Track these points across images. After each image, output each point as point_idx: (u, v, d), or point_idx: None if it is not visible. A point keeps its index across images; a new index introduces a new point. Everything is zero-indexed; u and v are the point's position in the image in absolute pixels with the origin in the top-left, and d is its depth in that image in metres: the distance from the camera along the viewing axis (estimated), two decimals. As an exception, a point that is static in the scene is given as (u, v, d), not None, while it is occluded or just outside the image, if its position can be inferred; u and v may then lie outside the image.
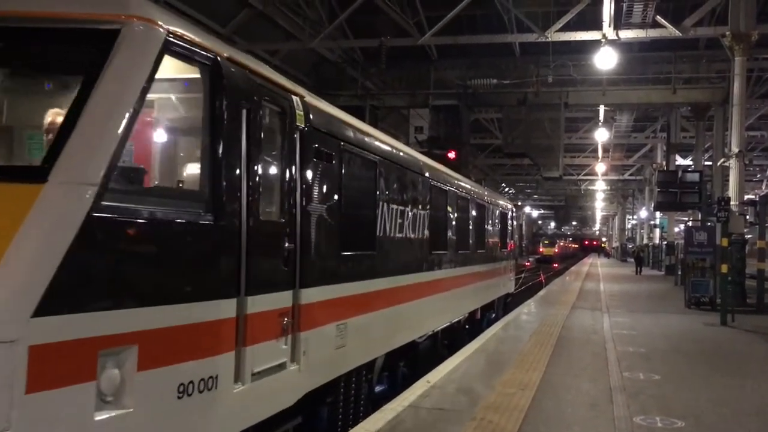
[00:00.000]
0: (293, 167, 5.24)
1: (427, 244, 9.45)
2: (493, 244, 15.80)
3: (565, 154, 31.95)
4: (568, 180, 54.96)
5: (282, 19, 21.35)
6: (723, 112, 23.42)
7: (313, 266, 5.53)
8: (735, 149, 17.90)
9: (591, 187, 66.01)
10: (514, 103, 25.04)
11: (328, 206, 5.91)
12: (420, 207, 9.13)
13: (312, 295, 5.52)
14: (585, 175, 54.17)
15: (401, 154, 8.83)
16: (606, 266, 51.68)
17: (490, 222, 15.44)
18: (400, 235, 8.18)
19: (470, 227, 12.89)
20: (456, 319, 11.75)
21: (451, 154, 23.17)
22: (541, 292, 23.93)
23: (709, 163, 28.04)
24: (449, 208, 11.11)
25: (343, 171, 6.34)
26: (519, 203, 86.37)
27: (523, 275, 41.87)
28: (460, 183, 12.45)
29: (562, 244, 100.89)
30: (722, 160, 20.62)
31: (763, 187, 48.95)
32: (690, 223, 23.33)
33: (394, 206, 8.00)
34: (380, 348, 7.62)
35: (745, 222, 18.89)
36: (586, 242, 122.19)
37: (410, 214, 8.59)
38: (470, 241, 12.83)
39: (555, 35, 20.13)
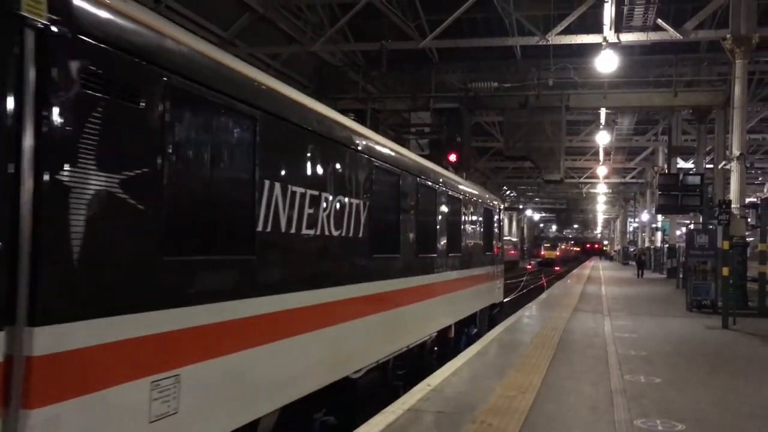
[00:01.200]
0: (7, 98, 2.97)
1: (365, 246, 7.11)
2: (473, 247, 13.28)
3: (566, 157, 31.92)
4: (570, 183, 54.94)
5: (283, 22, 21.38)
6: (724, 115, 23.40)
7: (72, 283, 3.26)
8: (736, 152, 17.89)
9: (592, 190, 65.98)
10: (516, 106, 25.04)
11: (126, 178, 3.60)
12: (353, 193, 6.80)
13: (68, 335, 3.21)
14: (586, 178, 54.14)
15: (310, 111, 6.02)
16: (608, 269, 51.64)
17: (469, 220, 12.90)
18: (310, 232, 5.80)
19: (439, 225, 10.46)
20: (417, 342, 9.37)
21: (453, 157, 23.22)
22: (543, 296, 23.90)
23: (711, 166, 28.02)
24: (404, 199, 8.70)
25: (169, 121, 3.96)
26: (521, 206, 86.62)
27: (524, 278, 41.90)
28: (422, 167, 9.86)
29: (563, 247, 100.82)
30: (723, 163, 20.60)
31: (765, 190, 48.90)
32: (691, 226, 23.30)
33: (298, 188, 5.57)
34: (269, 400, 5.18)
35: (747, 225, 18.86)
36: (588, 245, 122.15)
37: (332, 201, 6.25)
38: (439, 243, 10.41)
39: (556, 38, 20.14)
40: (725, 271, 15.06)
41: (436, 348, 10.85)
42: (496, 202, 16.73)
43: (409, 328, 9.04)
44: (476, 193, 14.27)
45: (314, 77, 25.07)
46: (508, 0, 20.51)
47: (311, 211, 5.79)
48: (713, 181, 24.07)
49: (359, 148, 7.02)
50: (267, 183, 5.09)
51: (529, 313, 17.18)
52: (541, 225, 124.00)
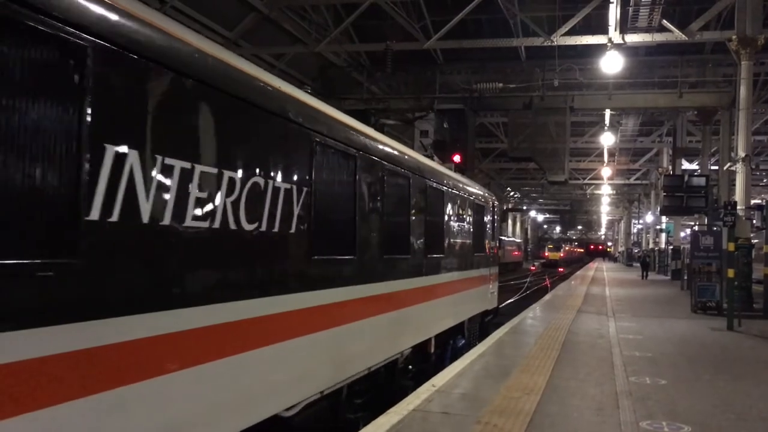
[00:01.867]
0: None
1: (306, 244, 5.63)
2: (459, 248, 11.48)
3: (570, 158, 31.99)
4: (574, 184, 54.93)
5: (288, 23, 21.40)
6: (729, 116, 23.37)
7: None
8: (741, 153, 17.85)
9: (597, 192, 65.93)
10: (520, 107, 25.03)
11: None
12: (293, 178, 5.44)
13: None
14: (591, 179, 54.11)
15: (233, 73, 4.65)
16: (612, 271, 51.56)
17: (454, 216, 11.12)
18: (235, 228, 4.52)
19: (412, 221, 8.73)
20: (385, 361, 7.85)
21: (457, 158, 23.20)
22: (547, 297, 23.86)
23: (716, 167, 27.96)
24: (365, 189, 7.19)
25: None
26: (524, 207, 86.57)
27: (528, 279, 41.87)
28: (389, 151, 8.09)
29: (567, 248, 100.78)
30: (729, 164, 20.56)
31: (770, 192, 48.74)
32: (696, 228, 23.25)
33: (225, 172, 4.41)
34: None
35: (752, 227, 18.81)
36: (592, 246, 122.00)
37: (268, 187, 4.99)
38: (412, 242, 8.75)
39: (561, 39, 20.13)
40: (730, 272, 15.01)
41: (410, 367, 9.21)
42: (490, 199, 15.03)
43: (375, 345, 7.50)
44: (465, 186, 12.36)
45: (318, 78, 25.09)
46: (512, 1, 20.51)
47: (251, 201, 4.78)
48: (718, 182, 24.02)
49: (307, 123, 5.67)
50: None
51: (533, 314, 17.15)
52: (545, 226, 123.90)
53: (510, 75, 25.64)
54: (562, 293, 25.53)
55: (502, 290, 34.75)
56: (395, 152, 8.37)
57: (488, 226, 14.64)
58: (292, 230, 5.38)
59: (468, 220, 12.32)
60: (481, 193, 14.26)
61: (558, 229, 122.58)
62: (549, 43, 20.29)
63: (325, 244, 6.01)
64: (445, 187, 10.47)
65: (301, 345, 5.54)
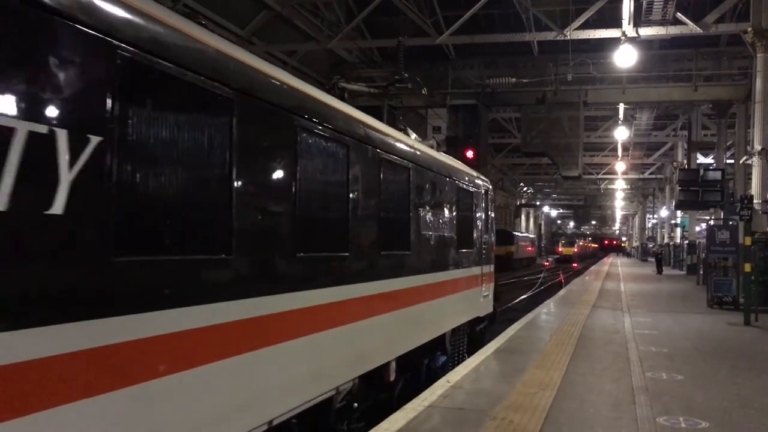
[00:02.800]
0: None
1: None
2: (437, 243, 9.22)
3: (584, 153, 31.79)
4: (588, 179, 54.65)
5: (300, 20, 21.42)
6: (745, 109, 23.15)
7: None
8: (758, 147, 17.67)
9: (611, 186, 65.59)
10: (533, 102, 24.93)
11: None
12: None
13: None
14: (604, 174, 53.82)
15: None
16: (626, 266, 51.28)
17: (427, 203, 8.77)
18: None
19: (357, 208, 6.45)
20: (305, 405, 5.38)
21: (470, 153, 23.15)
22: (561, 292, 23.78)
23: (731, 161, 27.73)
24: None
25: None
26: (538, 202, 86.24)
27: (542, 275, 41.73)
28: (347, 116, 6.41)
29: (581, 243, 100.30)
30: (745, 158, 20.36)
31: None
32: (712, 222, 23.06)
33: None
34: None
35: (769, 220, 18.62)
36: (606, 242, 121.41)
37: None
38: (357, 236, 6.41)
39: (574, 33, 20.01)
40: (747, 267, 14.88)
41: (356, 405, 6.69)
42: (482, 184, 12.34)
43: (307, 374, 5.36)
44: (444, 164, 9.92)
45: (330, 74, 25.09)
46: (525, -5, 20.41)
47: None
48: (734, 176, 23.81)
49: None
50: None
51: (547, 310, 17.09)
52: (559, 222, 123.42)
53: (523, 70, 25.53)
54: (577, 289, 25.42)
55: (514, 287, 34.74)
56: (330, 106, 6.02)
57: (479, 216, 12.01)
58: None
59: (449, 208, 9.87)
60: (470, 175, 11.65)
61: (572, 224, 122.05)
62: (562, 38, 20.17)
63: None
64: (411, 163, 7.97)
65: (226, 370, 4.18)
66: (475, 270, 11.66)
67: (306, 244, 5.29)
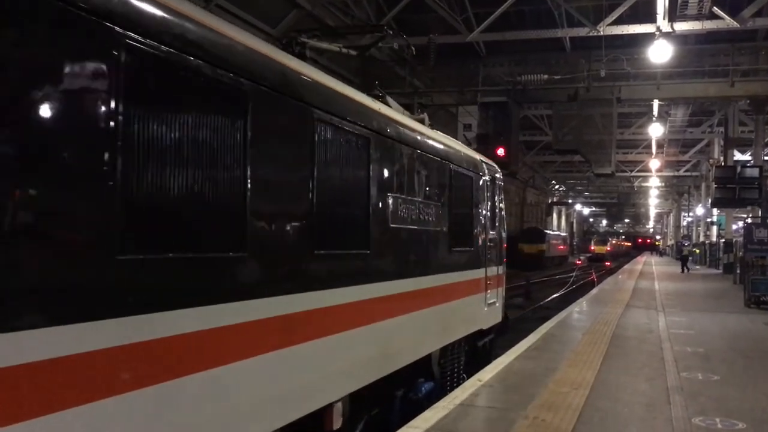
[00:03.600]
0: None
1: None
2: (424, 239, 7.54)
3: (617, 150, 31.40)
4: (621, 177, 53.97)
5: (330, 19, 21.49)
6: (784, 105, 22.64)
7: None
8: (797, 143, 17.29)
9: (644, 184, 64.67)
10: (565, 99, 24.66)
11: None
12: None
13: None
14: (638, 171, 53.10)
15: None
16: (660, 264, 50.54)
17: (412, 190, 7.17)
18: None
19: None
20: None
21: (501, 151, 23.01)
22: (594, 291, 23.53)
23: (770, 158, 27.14)
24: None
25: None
26: (570, 200, 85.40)
27: (574, 274, 41.33)
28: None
29: (614, 242, 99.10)
30: (783, 154, 19.93)
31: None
32: (749, 220, 22.60)
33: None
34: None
35: (809, 218, 18.22)
36: (640, 240, 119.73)
37: None
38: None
39: (607, 29, 19.77)
40: (786, 266, 14.57)
41: None
42: (485, 168, 10.31)
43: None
44: (431, 140, 8.03)
45: (360, 72, 25.14)
46: (557, -9, 20.23)
47: None
48: (772, 173, 23.29)
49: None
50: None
51: (579, 308, 16.92)
52: (591, 220, 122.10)
53: (554, 66, 25.27)
54: (609, 287, 25.13)
55: (546, 285, 34.49)
56: (269, 59, 4.66)
57: (483, 208, 10.03)
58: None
59: (437, 196, 7.96)
60: (470, 159, 9.68)
61: (604, 222, 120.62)
62: (595, 33, 19.95)
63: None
64: (371, 132, 6.06)
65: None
66: (477, 273, 9.63)
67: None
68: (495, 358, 9.70)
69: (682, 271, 38.15)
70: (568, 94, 24.34)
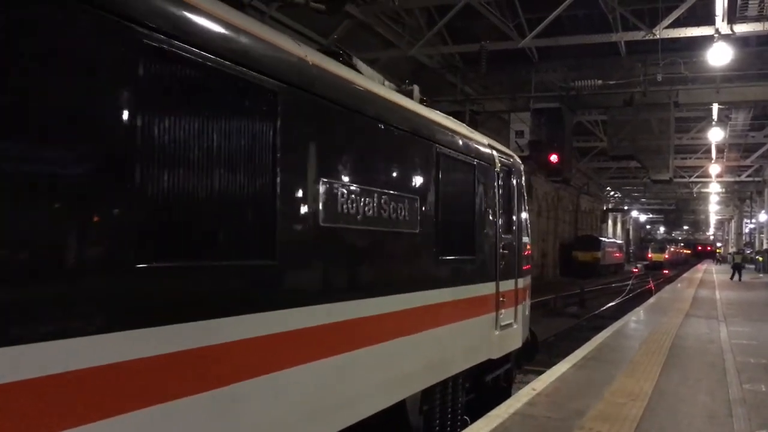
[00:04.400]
0: None
1: None
2: (402, 245, 5.90)
3: (675, 156, 30.59)
4: (679, 183, 52.60)
5: (381, 28, 21.63)
6: None
7: None
8: None
9: (704, 190, 62.87)
10: (620, 104, 24.21)
11: None
12: None
13: None
14: (697, 177, 51.63)
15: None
16: (721, 273, 49.03)
17: (385, 181, 5.63)
18: None
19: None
20: None
21: (554, 158, 22.74)
22: (651, 300, 22.98)
23: (838, 162, 26.08)
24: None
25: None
26: (625, 207, 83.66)
27: (630, 282, 40.44)
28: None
29: (672, 249, 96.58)
30: None
31: None
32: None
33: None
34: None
35: None
36: (699, 247, 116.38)
37: None
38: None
39: (664, 32, 19.33)
40: None
41: None
42: (495, 156, 8.38)
43: None
44: (429, 121, 6.65)
45: (412, 81, 25.22)
46: (611, -6, 19.92)
47: None
48: (841, 178, 22.37)
49: None
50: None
51: (636, 317, 16.55)
52: (648, 227, 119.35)
53: (609, 71, 24.85)
54: (668, 296, 24.50)
55: (601, 294, 33.84)
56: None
57: (492, 205, 8.13)
58: None
59: (414, 187, 6.09)
60: (473, 142, 7.77)
61: (662, 229, 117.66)
62: (651, 37, 19.53)
63: None
64: (281, 85, 4.30)
65: None
66: (483, 288, 7.73)
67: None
68: (543, 372, 9.32)
69: (731, 278, 37.34)
70: (624, 99, 23.89)
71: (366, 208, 5.25)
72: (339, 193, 4.88)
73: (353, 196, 5.06)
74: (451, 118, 7.81)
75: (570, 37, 21.36)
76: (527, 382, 9.02)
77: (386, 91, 6.10)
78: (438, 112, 7.43)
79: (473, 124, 22.40)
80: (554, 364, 9.95)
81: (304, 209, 4.51)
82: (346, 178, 4.99)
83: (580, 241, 54.69)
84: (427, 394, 6.52)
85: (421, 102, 7.29)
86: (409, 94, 7.11)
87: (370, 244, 5.38)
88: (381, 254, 5.61)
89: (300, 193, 4.46)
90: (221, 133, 3.79)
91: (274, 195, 4.15)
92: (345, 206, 4.96)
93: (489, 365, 8.03)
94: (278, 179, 4.19)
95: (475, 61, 21.68)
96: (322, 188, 4.68)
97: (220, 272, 3.74)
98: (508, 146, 23.63)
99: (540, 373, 9.80)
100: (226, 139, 3.82)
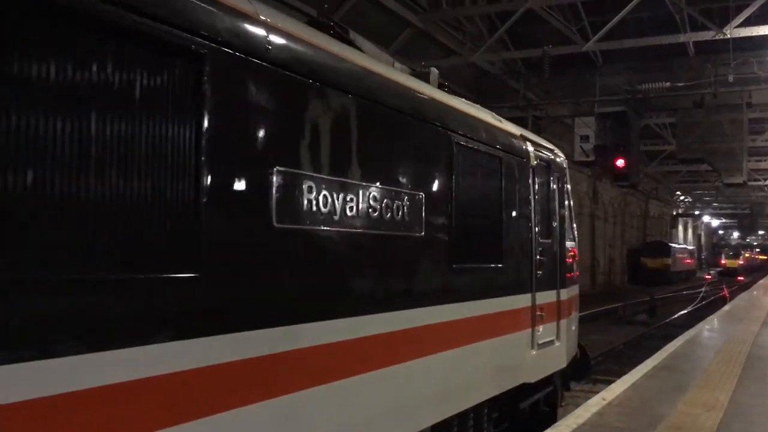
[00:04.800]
0: None
1: None
2: (401, 251, 4.95)
3: (749, 158, 29.54)
4: (754, 186, 50.62)
5: (442, 35, 21.66)
6: None
7: None
8: None
9: (781, 193, 60.35)
10: (690, 106, 23.54)
11: None
12: None
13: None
14: (773, 179, 49.61)
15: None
16: (801, 279, 46.93)
17: (378, 174, 4.68)
18: None
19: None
20: None
21: (620, 162, 22.27)
22: (726, 308, 22.18)
23: None
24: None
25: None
26: (697, 212, 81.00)
27: (703, 289, 39.16)
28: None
29: (747, 255, 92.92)
30: None
31: None
32: None
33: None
34: None
35: None
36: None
37: None
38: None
39: (735, 31, 18.72)
40: None
41: None
42: (528, 147, 7.38)
43: None
44: (410, 90, 5.43)
45: (473, 87, 25.12)
46: (678, -6, 19.43)
47: None
48: None
49: None
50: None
51: (710, 326, 16.02)
52: (721, 232, 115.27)
53: (677, 72, 24.18)
54: (743, 303, 23.61)
55: (672, 301, 32.82)
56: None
57: (525, 205, 7.14)
58: None
59: (418, 182, 5.18)
60: (500, 131, 6.87)
61: (736, 234, 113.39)
62: (721, 37, 18.95)
63: None
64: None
65: None
66: (515, 301, 6.75)
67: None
68: (614, 381, 8.94)
69: None
70: (694, 100, 23.22)
71: (346, 206, 4.29)
72: (300, 186, 3.90)
73: (324, 190, 4.07)
74: (476, 105, 6.92)
75: (636, 40, 20.91)
76: (596, 392, 8.86)
77: (381, 68, 5.14)
78: (460, 98, 6.57)
79: (536, 130, 22.18)
80: (624, 373, 9.73)
81: (241, 207, 3.53)
82: (308, 168, 3.99)
83: (648, 247, 53.25)
84: (444, 428, 5.49)
85: (441, 87, 6.43)
86: (425, 78, 6.26)
87: (351, 250, 4.39)
88: (363, 263, 4.54)
89: (238, 185, 3.51)
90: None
91: (198, 188, 3.24)
92: (311, 203, 3.97)
93: (527, 389, 7.05)
94: (205, 169, 3.28)
95: (537, 66, 21.48)
96: (276, 179, 3.71)
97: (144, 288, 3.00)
98: (572, 151, 23.36)
99: (609, 382, 9.61)
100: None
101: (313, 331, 3.96)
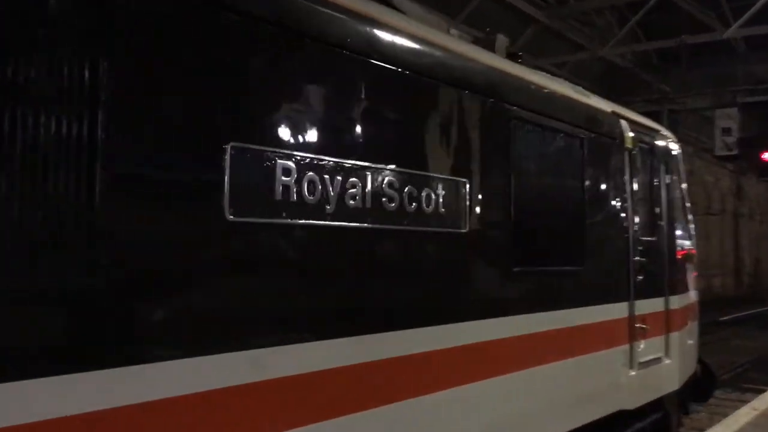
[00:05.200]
0: None
1: None
2: (435, 251, 4.01)
3: None
4: None
5: (568, 30, 21.12)
6: None
7: None
8: None
9: None
10: None
11: None
12: None
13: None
14: None
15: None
16: None
17: (402, 156, 3.73)
18: None
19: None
20: None
21: (766, 156, 20.81)
22: None
23: None
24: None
25: None
26: None
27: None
28: None
29: None
30: None
31: None
32: None
33: None
34: None
35: None
36: None
37: None
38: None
39: None
40: None
41: None
42: (621, 126, 6.27)
43: None
44: (453, 54, 4.37)
45: (604, 82, 24.29)
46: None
47: None
48: None
49: None
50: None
51: None
52: None
53: (834, 55, 22.25)
54: None
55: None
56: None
57: (632, 197, 6.20)
58: None
59: (509, 173, 4.62)
60: (597, 113, 6.02)
61: None
62: None
63: None
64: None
65: None
66: (604, 311, 5.67)
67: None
68: (761, 391, 8.30)
69: None
70: None
71: (347, 194, 3.39)
72: (276, 168, 3.05)
73: (311, 173, 3.20)
74: (548, 75, 6.09)
75: (785, 23, 19.43)
76: (745, 401, 8.29)
77: (412, 26, 4.12)
78: (531, 69, 5.74)
79: (672, 123, 21.09)
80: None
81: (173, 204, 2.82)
82: (291, 146, 3.14)
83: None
84: None
85: (510, 56, 5.56)
86: (489, 45, 5.38)
87: (352, 251, 3.49)
88: (376, 267, 3.64)
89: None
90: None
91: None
92: (294, 191, 3.13)
93: (627, 416, 5.86)
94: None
95: (672, 56, 20.47)
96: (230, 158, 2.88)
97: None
98: (712, 145, 22.03)
99: (759, 391, 8.96)
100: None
101: (283, 355, 3.16)
